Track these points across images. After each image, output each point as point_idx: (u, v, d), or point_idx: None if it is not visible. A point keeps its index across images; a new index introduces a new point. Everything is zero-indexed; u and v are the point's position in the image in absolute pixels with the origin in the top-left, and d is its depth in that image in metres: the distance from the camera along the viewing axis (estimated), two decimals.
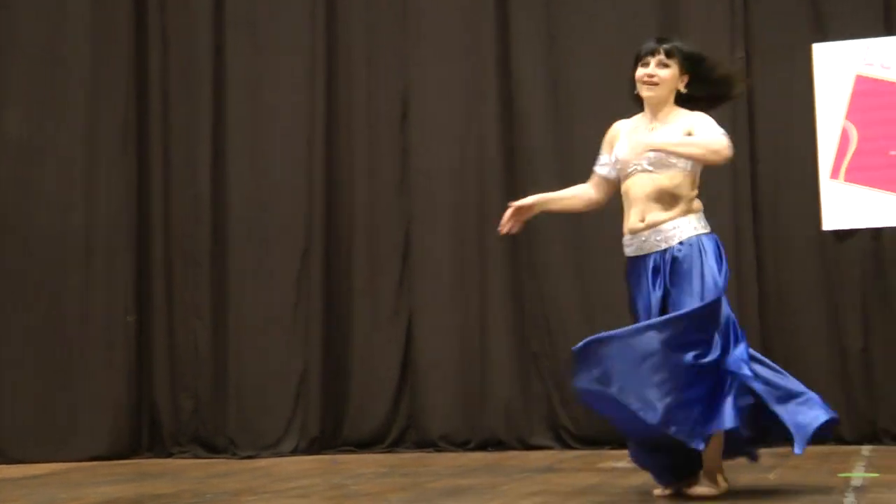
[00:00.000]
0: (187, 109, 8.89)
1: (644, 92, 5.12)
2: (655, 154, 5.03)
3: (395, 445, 8.58)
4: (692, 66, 5.13)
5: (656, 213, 5.09)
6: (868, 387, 7.78)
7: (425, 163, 8.63)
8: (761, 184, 7.93)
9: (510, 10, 8.45)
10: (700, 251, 5.02)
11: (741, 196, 7.95)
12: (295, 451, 8.50)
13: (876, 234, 7.92)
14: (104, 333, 8.61)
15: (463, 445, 8.42)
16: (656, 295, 5.03)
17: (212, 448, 8.68)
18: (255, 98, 8.85)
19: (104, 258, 8.69)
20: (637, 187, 5.14)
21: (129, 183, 8.74)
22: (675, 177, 5.08)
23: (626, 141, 5.20)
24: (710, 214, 6.94)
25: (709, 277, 4.96)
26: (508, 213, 5.29)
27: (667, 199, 5.09)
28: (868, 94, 7.79)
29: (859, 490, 5.57)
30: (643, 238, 5.12)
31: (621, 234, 5.27)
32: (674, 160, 5.02)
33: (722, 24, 8.03)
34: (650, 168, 5.09)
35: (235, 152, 8.84)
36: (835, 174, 7.91)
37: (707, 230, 5.14)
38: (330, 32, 8.88)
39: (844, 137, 7.81)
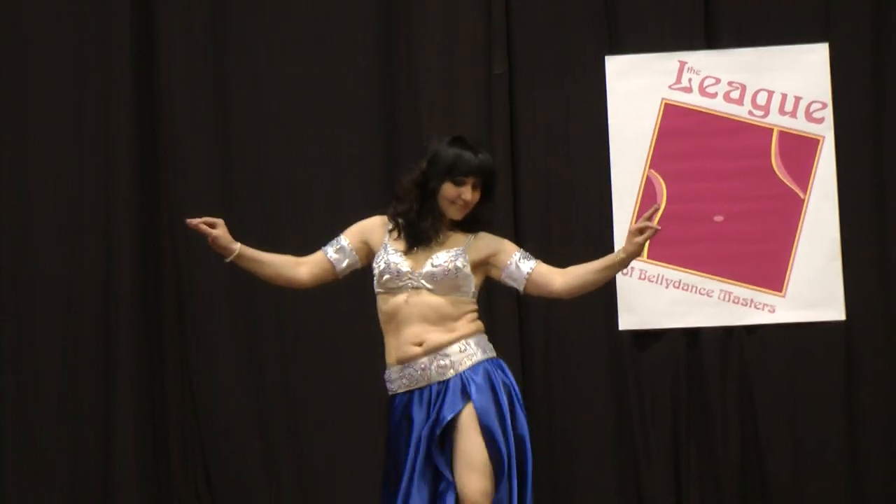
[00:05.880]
0: None
1: (455, 214, 5.08)
2: (440, 271, 5.02)
3: None
4: (489, 190, 5.18)
5: (438, 335, 5.04)
6: None
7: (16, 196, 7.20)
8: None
9: None
10: (493, 387, 4.97)
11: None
12: None
13: (692, 337, 6.89)
14: None
15: None
16: (426, 429, 4.94)
17: None
18: None
19: None
20: (409, 307, 5.08)
21: None
22: (459, 303, 5.06)
23: (397, 252, 5.11)
24: None
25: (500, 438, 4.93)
26: (207, 219, 5.10)
27: (448, 320, 5.05)
28: (682, 131, 6.90)
29: None
30: (421, 366, 5.02)
31: (376, 370, 5.18)
32: (462, 283, 5.05)
33: (475, 29, 7.04)
34: (430, 286, 5.04)
35: None
36: None
37: (493, 353, 5.09)
38: None
39: (648, 195, 6.93)
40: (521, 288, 5.15)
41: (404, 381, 5.06)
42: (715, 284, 6.85)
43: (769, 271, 6.86)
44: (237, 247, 5.10)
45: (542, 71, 7.01)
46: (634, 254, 4.97)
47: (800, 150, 6.82)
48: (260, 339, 7.13)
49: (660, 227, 4.92)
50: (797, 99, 6.88)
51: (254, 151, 7.22)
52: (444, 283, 5.02)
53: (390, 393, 5.08)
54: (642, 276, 6.86)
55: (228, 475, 7.12)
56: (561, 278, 5.13)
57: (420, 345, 5.02)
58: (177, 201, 7.21)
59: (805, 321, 6.86)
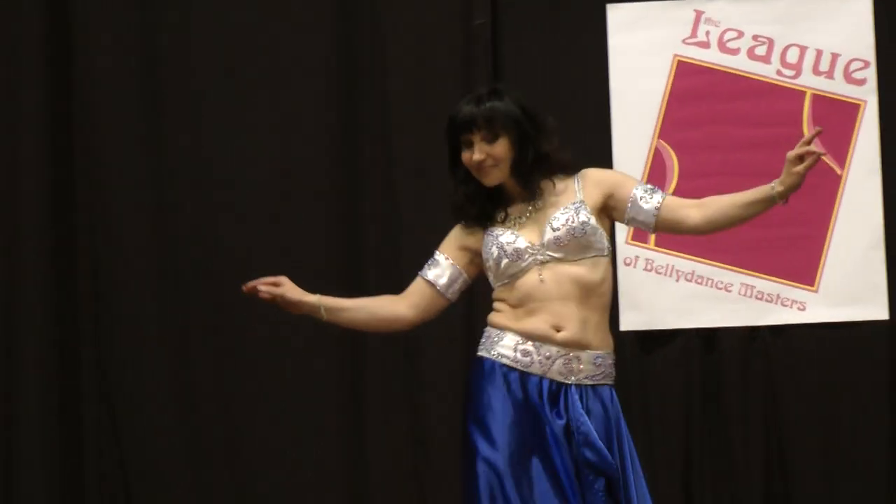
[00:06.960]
0: None
1: (484, 180, 4.79)
2: (564, 233, 4.71)
3: None
4: (522, 126, 4.74)
5: (580, 328, 4.68)
6: None
7: None
8: None
9: None
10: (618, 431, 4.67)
11: None
12: None
13: (708, 340, 6.57)
14: None
15: None
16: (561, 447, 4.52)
17: None
18: None
19: None
20: (546, 284, 4.75)
21: None
22: (598, 264, 4.78)
23: (505, 230, 4.82)
24: None
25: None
26: (268, 280, 4.75)
27: (595, 301, 4.76)
28: (697, 93, 6.64)
29: None
30: (546, 353, 4.71)
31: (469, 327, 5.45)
32: (593, 238, 4.80)
33: None
34: (558, 255, 4.74)
35: None
36: (639, 235, 6.65)
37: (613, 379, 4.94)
38: None
39: (656, 169, 6.65)
40: (650, 229, 4.84)
41: (518, 356, 4.68)
42: (735, 277, 6.52)
43: (799, 261, 6.55)
44: (315, 299, 4.73)
45: (531, 21, 6.64)
46: (794, 186, 4.58)
47: (837, 117, 6.44)
48: (191, 343, 6.72)
49: (825, 152, 4.56)
50: (834, 56, 6.52)
51: (185, 121, 6.72)
52: (573, 244, 4.69)
53: (485, 355, 4.70)
54: (648, 267, 6.57)
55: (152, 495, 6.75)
56: (699, 212, 4.76)
57: (559, 330, 4.65)
58: (95, 187, 6.77)
59: (842, 321, 6.52)
